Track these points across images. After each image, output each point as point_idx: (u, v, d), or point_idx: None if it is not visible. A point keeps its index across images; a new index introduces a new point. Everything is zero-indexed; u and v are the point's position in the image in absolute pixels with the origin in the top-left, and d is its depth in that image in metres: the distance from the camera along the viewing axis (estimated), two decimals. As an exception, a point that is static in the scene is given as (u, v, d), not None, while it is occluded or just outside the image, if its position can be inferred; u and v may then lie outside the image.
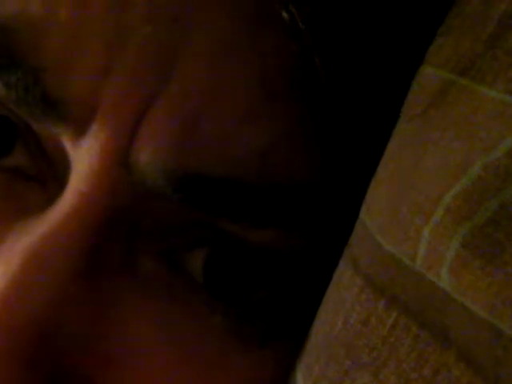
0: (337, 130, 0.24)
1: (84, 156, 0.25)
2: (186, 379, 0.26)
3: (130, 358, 0.25)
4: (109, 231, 0.25)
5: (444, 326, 0.19)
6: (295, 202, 0.25)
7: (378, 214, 0.22)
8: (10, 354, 0.23)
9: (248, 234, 0.25)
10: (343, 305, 0.22)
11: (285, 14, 0.23)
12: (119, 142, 0.24)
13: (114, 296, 0.25)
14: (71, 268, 0.24)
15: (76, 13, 0.24)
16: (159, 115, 0.24)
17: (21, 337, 0.24)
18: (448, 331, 0.19)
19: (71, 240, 0.24)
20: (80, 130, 0.25)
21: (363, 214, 0.23)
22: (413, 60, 0.23)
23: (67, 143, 0.25)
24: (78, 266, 0.24)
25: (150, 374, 0.25)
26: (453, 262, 0.19)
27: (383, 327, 0.20)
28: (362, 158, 0.24)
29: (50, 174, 0.26)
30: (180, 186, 0.24)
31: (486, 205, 0.18)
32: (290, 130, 0.24)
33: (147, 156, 0.24)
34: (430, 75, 0.22)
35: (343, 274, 0.23)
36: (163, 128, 0.24)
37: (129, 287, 0.26)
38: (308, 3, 0.23)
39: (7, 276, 0.24)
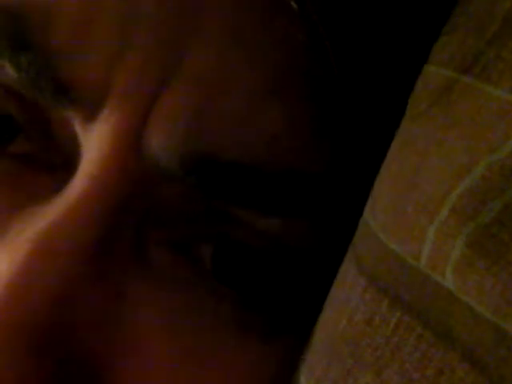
0: (345, 122, 0.24)
1: (95, 140, 0.24)
2: (190, 367, 0.25)
3: (138, 346, 0.25)
4: (120, 217, 0.25)
5: (448, 326, 0.19)
6: (303, 190, 0.25)
7: (382, 213, 0.22)
8: (19, 343, 0.23)
9: (257, 222, 0.25)
10: (347, 304, 0.22)
11: (293, 4, 0.23)
12: (131, 126, 0.24)
13: (124, 283, 0.25)
14: (81, 255, 0.24)
15: None
16: (171, 99, 0.24)
17: (29, 325, 0.23)
18: (452, 331, 0.19)
19: (82, 226, 0.24)
20: (91, 113, 0.24)
21: (367, 213, 0.23)
22: (418, 58, 0.23)
23: (78, 127, 0.25)
24: (88, 253, 0.24)
25: (157, 361, 0.25)
26: (457, 261, 0.19)
27: (387, 327, 0.20)
28: (369, 153, 0.24)
29: (59, 159, 0.26)
30: (192, 170, 0.24)
31: (491, 205, 0.18)
32: (300, 118, 0.24)
33: (159, 140, 0.24)
34: (433, 73, 0.22)
35: (347, 273, 0.23)
36: (175, 112, 0.24)
37: (138, 274, 0.25)
38: None
39: (16, 264, 0.24)
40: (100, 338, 0.25)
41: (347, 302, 0.22)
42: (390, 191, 0.22)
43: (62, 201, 0.25)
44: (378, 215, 0.22)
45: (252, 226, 0.25)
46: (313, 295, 0.26)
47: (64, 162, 0.26)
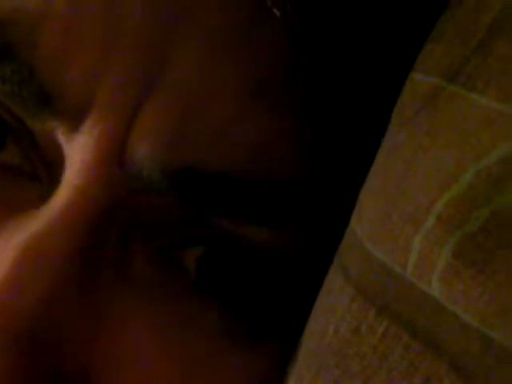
0: (329, 130, 0.24)
1: (79, 151, 0.24)
2: (179, 377, 0.25)
3: (124, 357, 0.25)
4: (104, 227, 0.25)
5: (435, 334, 0.19)
6: (288, 199, 0.25)
7: (369, 222, 0.21)
8: (6, 347, 0.23)
9: (241, 232, 0.25)
10: (334, 313, 0.22)
11: (276, 11, 0.23)
12: (114, 137, 0.24)
13: (109, 294, 0.25)
14: (66, 265, 0.24)
15: (72, 6, 0.24)
16: (154, 109, 0.24)
17: (14, 335, 0.23)
18: (439, 340, 0.19)
19: (66, 236, 0.24)
20: (75, 124, 0.24)
21: (354, 222, 0.23)
22: (404, 65, 0.23)
23: (62, 138, 0.25)
24: (72, 263, 0.24)
25: (144, 371, 0.25)
26: (444, 270, 0.19)
27: (374, 336, 0.20)
28: (355, 161, 0.24)
29: (45, 169, 0.26)
30: (175, 181, 0.24)
31: (477, 213, 0.18)
32: (284, 127, 0.24)
33: (142, 150, 0.24)
34: (419, 81, 0.22)
35: (333, 282, 0.23)
36: (158, 122, 0.24)
37: (123, 285, 0.25)
38: (302, 1, 0.23)
39: (2, 272, 0.24)
40: (86, 348, 0.25)
41: (333, 311, 0.22)
42: (376, 200, 0.22)
43: (47, 211, 0.25)
44: (365, 224, 0.22)
45: (237, 235, 0.25)
46: (300, 301, 0.26)
47: (49, 172, 0.26)
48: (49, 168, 0.26)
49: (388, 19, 0.23)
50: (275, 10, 0.23)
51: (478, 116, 0.19)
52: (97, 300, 0.25)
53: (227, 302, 0.26)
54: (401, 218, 0.20)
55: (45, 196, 0.25)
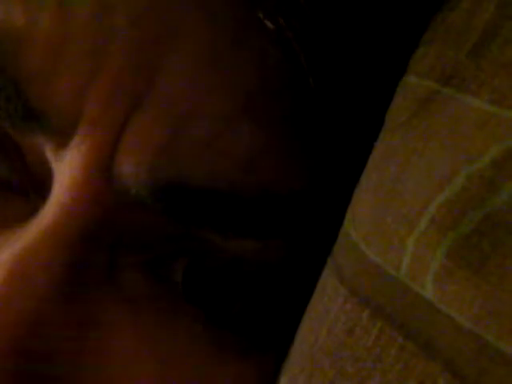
0: (321, 139, 0.24)
1: (66, 167, 0.24)
2: None
3: (111, 367, 0.25)
4: (91, 244, 0.25)
5: (429, 336, 0.19)
6: (278, 212, 0.25)
7: (363, 224, 0.22)
8: None
9: (228, 244, 0.25)
10: (327, 315, 0.22)
11: (269, 23, 0.23)
12: (102, 154, 0.24)
13: (97, 309, 0.25)
14: (52, 282, 0.24)
15: (58, 21, 0.24)
16: (141, 125, 0.24)
17: (1, 351, 0.23)
18: (433, 342, 0.19)
19: (52, 253, 0.24)
20: (62, 141, 0.24)
21: (347, 224, 0.23)
22: (397, 69, 0.23)
23: (50, 154, 0.25)
24: (59, 280, 0.24)
25: (131, 382, 0.25)
26: (437, 272, 0.19)
27: (368, 338, 0.20)
28: (347, 166, 0.24)
29: (33, 185, 0.26)
30: (162, 197, 0.24)
31: (471, 215, 0.18)
32: (274, 140, 0.24)
33: (130, 167, 0.24)
34: (413, 84, 0.22)
35: (327, 283, 0.23)
36: (146, 138, 0.24)
37: (112, 299, 0.25)
38: (294, 12, 0.23)
39: None
40: (75, 363, 0.25)
41: (327, 313, 0.22)
42: (370, 202, 0.22)
43: (34, 227, 0.25)
44: (359, 226, 0.22)
45: (225, 248, 0.25)
46: (290, 309, 0.26)
47: (37, 188, 0.26)
48: (37, 183, 0.26)
49: (380, 22, 0.23)
50: (268, 22, 0.23)
51: (472, 118, 0.20)
52: (85, 313, 0.25)
53: (214, 312, 0.26)
54: (394, 220, 0.20)
55: (34, 212, 0.25)
